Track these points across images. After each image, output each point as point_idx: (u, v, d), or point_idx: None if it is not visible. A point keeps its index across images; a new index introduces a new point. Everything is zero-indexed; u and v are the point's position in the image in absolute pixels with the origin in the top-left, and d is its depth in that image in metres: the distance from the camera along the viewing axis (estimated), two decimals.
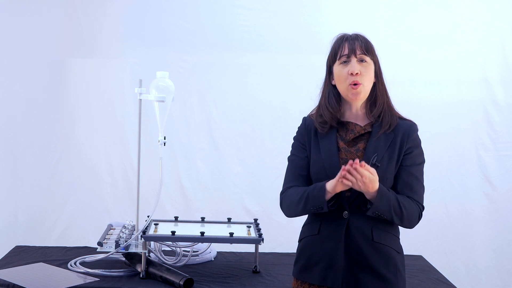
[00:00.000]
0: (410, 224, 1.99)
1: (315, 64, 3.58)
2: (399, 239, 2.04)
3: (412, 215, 1.97)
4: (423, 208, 2.02)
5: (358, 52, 1.97)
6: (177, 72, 3.70)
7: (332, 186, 1.90)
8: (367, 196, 1.90)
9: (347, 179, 1.83)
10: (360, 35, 2.02)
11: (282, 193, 2.09)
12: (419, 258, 3.04)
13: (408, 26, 3.77)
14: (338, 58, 2.00)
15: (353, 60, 1.97)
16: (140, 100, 2.55)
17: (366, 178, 1.83)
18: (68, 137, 3.81)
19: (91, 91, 3.82)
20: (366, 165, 1.84)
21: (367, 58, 1.99)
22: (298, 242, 2.10)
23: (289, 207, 2.05)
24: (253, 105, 3.82)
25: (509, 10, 3.80)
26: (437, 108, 3.78)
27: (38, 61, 3.78)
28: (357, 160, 1.82)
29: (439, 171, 3.73)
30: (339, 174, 1.86)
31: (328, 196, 1.92)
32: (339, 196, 1.94)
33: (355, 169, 1.82)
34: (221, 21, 3.80)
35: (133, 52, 3.79)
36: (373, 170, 1.85)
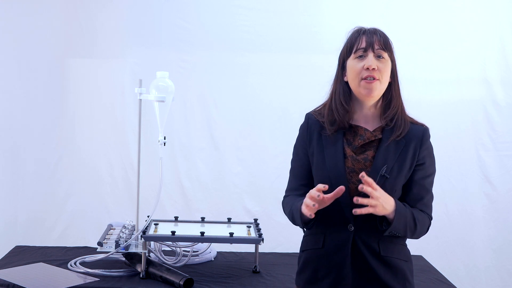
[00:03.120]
0: (418, 237, 1.93)
1: (315, 64, 3.62)
2: (406, 246, 1.96)
3: (422, 229, 1.91)
4: (432, 218, 1.96)
5: (376, 46, 1.84)
6: (177, 72, 3.69)
7: (303, 210, 1.80)
8: (386, 213, 1.78)
9: (372, 206, 1.73)
10: (378, 29, 1.90)
11: (282, 199, 2.04)
12: (419, 258, 3.05)
13: (408, 26, 3.76)
14: (353, 52, 1.86)
15: (370, 54, 1.84)
16: (140, 100, 2.55)
17: (378, 189, 1.74)
18: (68, 137, 3.81)
19: (91, 91, 3.82)
20: (368, 182, 1.72)
21: (385, 55, 1.86)
22: (301, 251, 2.02)
23: (286, 216, 2.01)
24: (253, 105, 3.82)
25: (509, 10, 3.80)
26: (437, 108, 3.78)
27: (38, 61, 3.77)
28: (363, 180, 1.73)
29: (439, 171, 3.62)
30: (304, 204, 1.76)
31: (305, 218, 1.84)
32: (339, 207, 1.85)
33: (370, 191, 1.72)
34: (221, 21, 3.80)
35: (133, 52, 3.79)
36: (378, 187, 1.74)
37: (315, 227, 1.94)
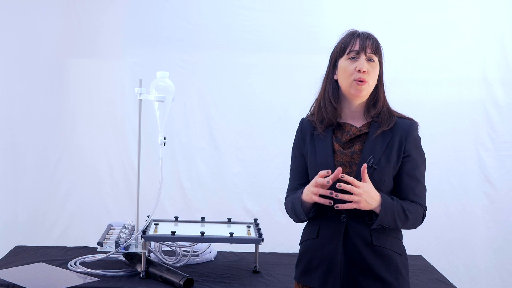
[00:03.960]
0: (414, 227, 1.99)
1: (315, 64, 3.57)
2: (401, 241, 2.01)
3: (416, 219, 1.97)
4: (426, 208, 2.01)
5: (368, 50, 1.94)
6: (177, 72, 3.69)
7: (304, 195, 1.91)
8: (372, 208, 1.88)
9: (346, 206, 1.84)
10: (371, 34, 1.99)
11: (284, 201, 2.12)
12: (419, 258, 3.05)
13: (408, 26, 3.77)
14: (347, 53, 1.96)
15: (362, 57, 1.94)
16: (140, 100, 2.55)
17: (364, 186, 1.82)
18: (68, 137, 3.81)
19: (91, 91, 3.82)
20: (349, 181, 1.83)
21: (375, 59, 1.96)
22: (299, 245, 2.08)
23: (289, 216, 2.09)
24: (253, 105, 3.82)
25: (509, 10, 3.80)
26: (437, 108, 3.78)
27: (38, 61, 3.77)
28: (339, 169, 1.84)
29: (439, 171, 3.73)
30: (311, 192, 1.87)
31: (306, 206, 1.93)
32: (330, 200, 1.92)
33: (350, 185, 1.82)
34: (221, 21, 3.80)
35: (133, 52, 3.78)
36: (363, 183, 1.84)
37: (312, 219, 2.01)
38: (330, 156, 1.95)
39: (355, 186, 1.82)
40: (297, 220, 2.04)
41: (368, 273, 1.92)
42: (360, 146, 1.96)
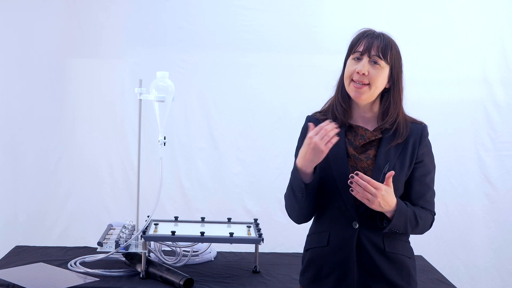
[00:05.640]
0: (422, 233, 1.98)
1: (315, 64, 3.62)
2: (409, 243, 2.00)
3: (425, 225, 1.95)
4: (435, 214, 2.00)
5: (373, 52, 1.86)
6: (177, 72, 3.69)
7: (299, 159, 1.83)
8: (383, 211, 1.85)
9: (360, 195, 1.80)
10: (383, 34, 1.92)
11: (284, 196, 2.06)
12: (419, 258, 3.04)
13: (408, 25, 3.76)
14: (352, 52, 1.91)
15: (365, 59, 1.87)
16: (140, 100, 2.55)
17: (382, 190, 1.78)
18: (68, 137, 3.81)
19: (91, 91, 3.82)
20: (367, 180, 1.79)
21: (381, 62, 1.87)
22: (305, 251, 2.04)
23: (286, 207, 1.99)
24: (253, 105, 3.82)
25: (509, 10, 3.80)
26: (437, 108, 3.78)
27: (38, 61, 3.77)
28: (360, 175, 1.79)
29: (439, 171, 3.63)
30: (307, 144, 1.79)
31: (304, 172, 1.83)
32: (344, 206, 1.90)
33: (365, 182, 1.78)
34: (221, 21, 3.79)
35: (133, 52, 3.78)
36: (385, 186, 1.80)
37: (320, 225, 1.96)
38: (344, 160, 1.90)
39: (373, 187, 1.78)
40: (298, 207, 1.92)
41: (381, 279, 1.90)
42: (374, 151, 1.91)
